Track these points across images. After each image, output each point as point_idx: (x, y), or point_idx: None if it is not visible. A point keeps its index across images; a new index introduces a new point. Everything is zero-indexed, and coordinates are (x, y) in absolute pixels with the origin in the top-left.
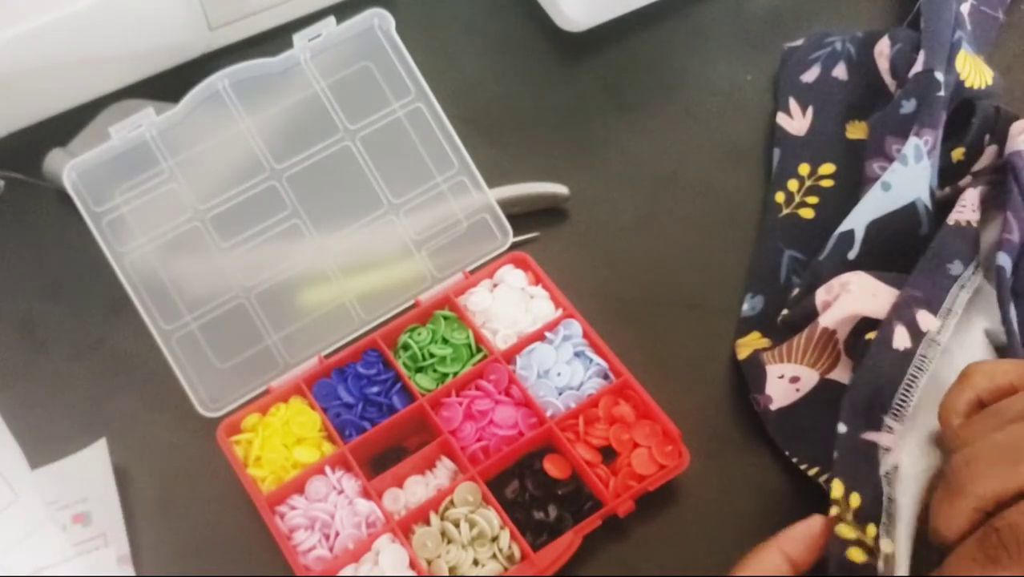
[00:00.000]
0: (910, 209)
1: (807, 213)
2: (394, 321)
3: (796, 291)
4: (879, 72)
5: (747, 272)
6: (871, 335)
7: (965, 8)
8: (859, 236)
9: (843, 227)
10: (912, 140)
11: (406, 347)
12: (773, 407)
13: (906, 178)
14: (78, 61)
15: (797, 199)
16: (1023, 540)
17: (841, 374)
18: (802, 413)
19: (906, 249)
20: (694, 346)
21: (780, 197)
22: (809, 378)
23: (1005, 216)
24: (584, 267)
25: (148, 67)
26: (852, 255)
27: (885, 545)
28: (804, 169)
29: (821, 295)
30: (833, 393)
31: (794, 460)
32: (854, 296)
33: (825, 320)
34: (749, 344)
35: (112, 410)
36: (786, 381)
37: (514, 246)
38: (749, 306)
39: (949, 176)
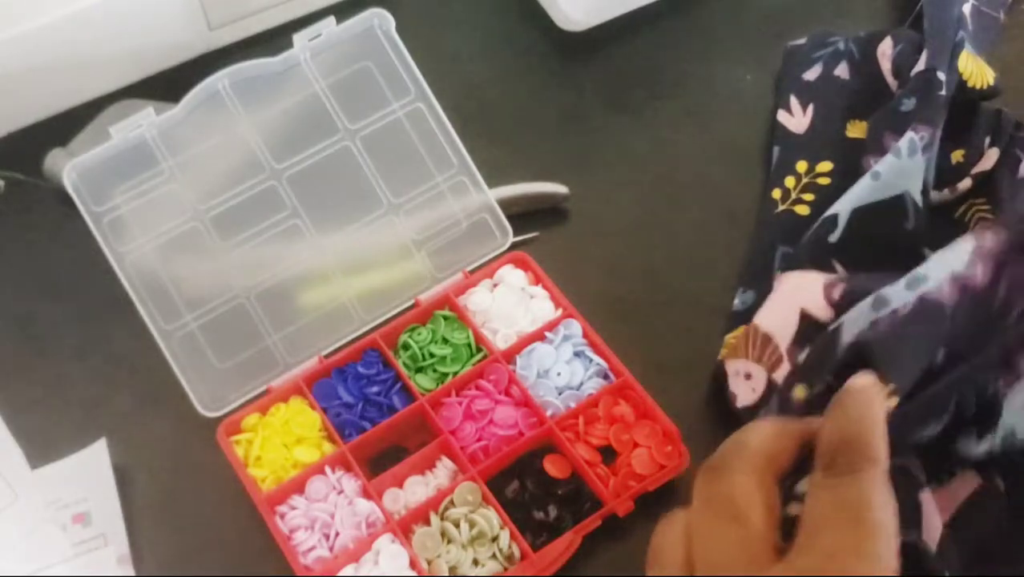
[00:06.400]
0: (897, 201)
1: (802, 210)
2: (394, 321)
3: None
4: (881, 72)
5: (739, 267)
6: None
7: (966, 8)
8: (843, 220)
9: (829, 211)
10: (908, 134)
11: (406, 347)
12: (739, 405)
13: (897, 170)
14: (78, 61)
15: (793, 196)
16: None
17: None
18: (763, 415)
19: (889, 240)
20: (694, 346)
21: (777, 193)
22: (759, 376)
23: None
24: (584, 267)
25: (148, 67)
26: (834, 238)
27: None
28: (802, 166)
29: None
30: (780, 396)
31: None
32: (781, 294)
33: (757, 318)
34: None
35: (112, 410)
36: (742, 378)
37: (514, 246)
38: (740, 301)
39: (949, 177)
